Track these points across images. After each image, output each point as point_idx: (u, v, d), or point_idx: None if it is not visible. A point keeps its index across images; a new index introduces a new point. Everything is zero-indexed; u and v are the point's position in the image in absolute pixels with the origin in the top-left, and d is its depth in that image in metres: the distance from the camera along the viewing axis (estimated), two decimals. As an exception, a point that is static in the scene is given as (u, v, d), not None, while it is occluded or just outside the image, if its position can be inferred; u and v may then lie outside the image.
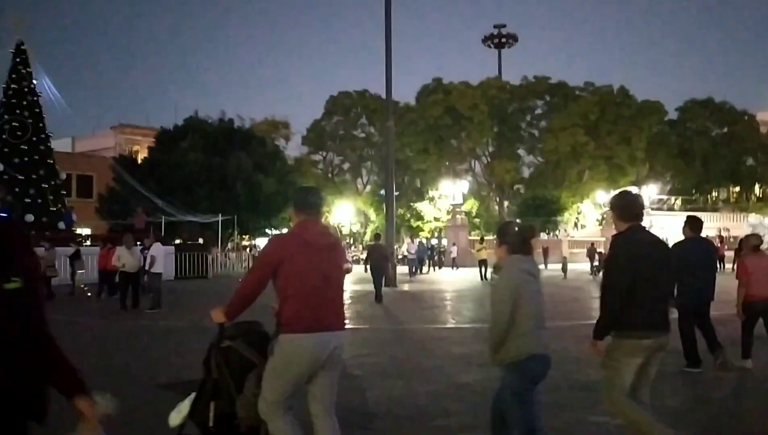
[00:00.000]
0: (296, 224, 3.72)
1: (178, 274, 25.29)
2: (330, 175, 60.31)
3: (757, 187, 60.76)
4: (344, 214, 55.07)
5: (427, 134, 53.44)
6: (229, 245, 36.39)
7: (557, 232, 49.94)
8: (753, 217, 47.80)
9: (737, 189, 61.31)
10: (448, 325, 12.36)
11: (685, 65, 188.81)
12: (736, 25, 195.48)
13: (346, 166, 61.62)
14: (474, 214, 52.67)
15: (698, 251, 7.57)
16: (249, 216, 36.71)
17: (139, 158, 44.23)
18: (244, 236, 41.94)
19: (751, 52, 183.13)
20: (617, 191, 4.74)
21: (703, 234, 8.27)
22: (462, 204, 44.79)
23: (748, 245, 7.99)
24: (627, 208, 4.12)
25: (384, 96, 25.32)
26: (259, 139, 42.72)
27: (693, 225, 7.76)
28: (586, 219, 54.46)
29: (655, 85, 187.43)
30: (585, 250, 32.88)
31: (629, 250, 3.94)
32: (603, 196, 48.92)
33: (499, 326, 3.67)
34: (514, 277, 3.72)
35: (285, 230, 40.09)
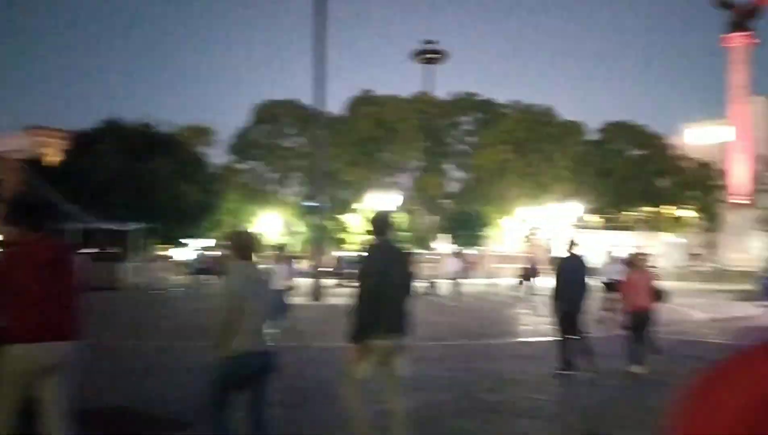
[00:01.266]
0: (19, 242, 3.93)
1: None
2: (257, 185, 58.94)
3: (669, 207, 63.58)
4: (270, 225, 53.81)
5: (356, 146, 53.12)
6: (148, 255, 34.67)
7: (483, 247, 50.50)
8: (666, 236, 49.82)
9: (652, 209, 63.95)
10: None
11: (607, 88, 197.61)
12: (655, 54, 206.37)
13: (273, 176, 60.42)
14: (402, 227, 52.61)
15: (572, 268, 8.52)
16: (170, 225, 35.16)
17: (55, 161, 41.77)
18: (164, 246, 40.21)
19: (668, 80, 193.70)
20: (378, 210, 5.56)
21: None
22: (390, 217, 44.59)
23: (632, 262, 9.04)
24: (382, 226, 4.68)
25: (314, 106, 24.67)
26: (182, 145, 41.17)
27: (570, 245, 8.82)
28: (512, 235, 55.41)
29: (578, 106, 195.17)
30: (511, 266, 33.13)
31: (375, 262, 4.47)
32: (528, 212, 49.90)
33: (218, 325, 4.02)
34: (234, 282, 4.12)
35: (209, 240, 38.46)
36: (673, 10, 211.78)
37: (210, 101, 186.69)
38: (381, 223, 4.77)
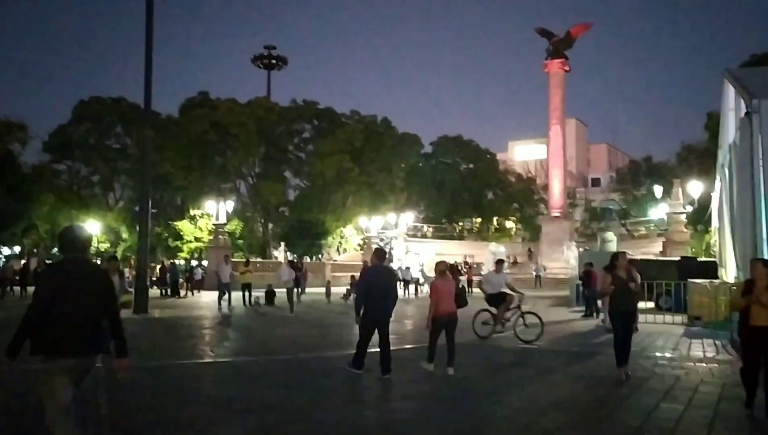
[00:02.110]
0: None
1: None
2: (76, 187, 54.08)
3: (495, 218, 67.88)
4: (91, 231, 49.53)
5: (190, 150, 50.62)
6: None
7: (321, 256, 50.33)
8: (493, 245, 52.90)
9: (480, 220, 67.86)
10: (206, 360, 10.99)
11: (441, 103, 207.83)
12: (488, 74, 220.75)
13: (95, 178, 55.85)
14: (238, 235, 50.97)
15: (380, 277, 8.87)
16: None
17: None
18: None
19: (501, 98, 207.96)
20: (69, 225, 5.24)
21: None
22: (225, 224, 42.90)
23: (437, 271, 9.29)
24: (67, 242, 4.48)
25: (143, 105, 22.83)
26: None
27: (378, 255, 9.28)
28: (349, 243, 55.84)
29: (412, 119, 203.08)
30: (348, 274, 33.14)
31: (52, 279, 4.32)
32: (365, 221, 50.49)
33: None
34: None
35: (17, 248, 34.47)
36: (505, 32, 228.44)
37: (26, 94, 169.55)
38: (69, 238, 4.54)
